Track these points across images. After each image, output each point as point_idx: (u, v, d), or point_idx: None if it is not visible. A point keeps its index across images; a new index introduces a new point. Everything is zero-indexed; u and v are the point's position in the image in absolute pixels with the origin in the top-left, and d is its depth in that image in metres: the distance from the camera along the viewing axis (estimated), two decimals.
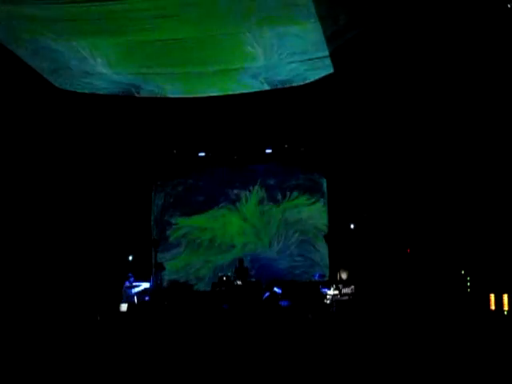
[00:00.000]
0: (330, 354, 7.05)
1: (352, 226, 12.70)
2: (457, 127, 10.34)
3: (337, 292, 11.05)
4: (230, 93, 10.49)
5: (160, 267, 12.78)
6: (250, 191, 14.00)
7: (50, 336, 8.43)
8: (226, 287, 11.78)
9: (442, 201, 10.89)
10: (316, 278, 12.52)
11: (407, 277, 11.01)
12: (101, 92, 10.10)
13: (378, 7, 7.95)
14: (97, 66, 9.19)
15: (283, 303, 10.55)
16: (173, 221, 14.09)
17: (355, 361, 6.64)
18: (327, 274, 13.14)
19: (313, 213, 13.78)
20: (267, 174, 13.98)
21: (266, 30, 8.35)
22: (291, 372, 6.29)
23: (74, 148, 11.98)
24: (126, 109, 11.11)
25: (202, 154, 13.49)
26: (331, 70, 9.72)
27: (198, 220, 14.06)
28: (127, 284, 11.08)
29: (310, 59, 9.35)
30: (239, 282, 11.84)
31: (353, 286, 11.02)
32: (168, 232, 14.02)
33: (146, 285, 11.20)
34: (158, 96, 10.57)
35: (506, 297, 8.95)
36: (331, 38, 8.59)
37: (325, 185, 13.79)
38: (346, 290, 11.00)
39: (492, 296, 9.17)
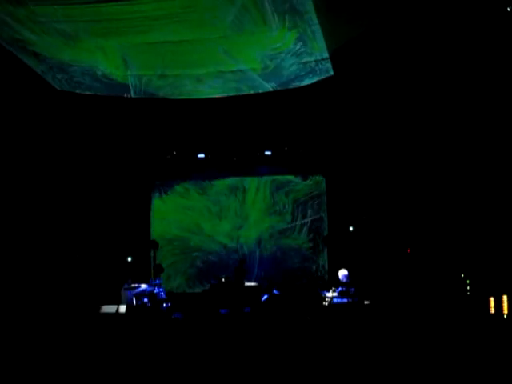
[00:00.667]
0: (330, 355, 7.05)
1: (351, 229, 12.69)
2: (456, 129, 10.35)
3: (335, 294, 11.04)
4: (230, 95, 10.51)
5: (159, 269, 12.76)
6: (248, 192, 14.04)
7: (49, 336, 8.42)
8: (225, 289, 11.75)
9: (442, 204, 10.90)
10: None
11: (406, 280, 11.01)
12: (100, 93, 10.11)
13: (378, 10, 7.97)
14: (96, 68, 9.20)
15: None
16: None
17: (355, 362, 6.64)
18: (326, 276, 13.16)
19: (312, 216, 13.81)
20: (266, 176, 14.00)
21: (265, 34, 8.38)
22: (291, 373, 6.29)
23: (74, 149, 11.97)
24: (126, 110, 11.11)
25: (202, 156, 13.48)
26: (331, 73, 9.74)
27: None
28: (126, 286, 11.04)
29: (309, 62, 9.37)
30: (238, 284, 11.82)
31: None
32: None
33: (145, 286, 11.15)
34: (158, 97, 10.60)
35: (505, 300, 8.95)
36: (331, 41, 8.62)
37: (324, 187, 13.80)
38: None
39: (491, 299, 9.17)
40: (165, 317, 10.58)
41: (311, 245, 13.62)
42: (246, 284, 11.98)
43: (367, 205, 12.61)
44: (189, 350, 7.69)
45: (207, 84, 10.17)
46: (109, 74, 9.44)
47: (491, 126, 9.67)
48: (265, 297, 10.69)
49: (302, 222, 13.79)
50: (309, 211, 13.81)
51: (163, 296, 11.24)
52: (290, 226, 13.82)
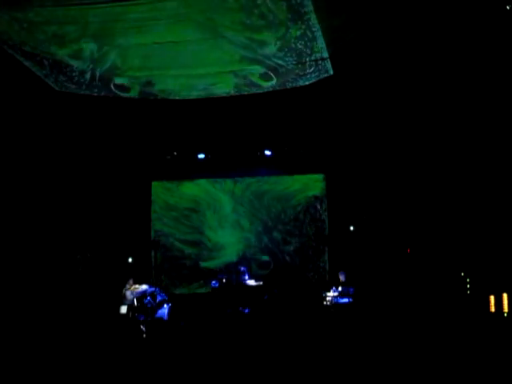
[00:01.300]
0: (330, 355, 7.05)
1: (352, 228, 12.69)
2: (456, 129, 10.35)
3: (336, 294, 11.05)
4: (230, 95, 10.50)
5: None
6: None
7: (50, 337, 8.44)
8: (226, 289, 11.76)
9: (442, 203, 10.90)
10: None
11: (407, 279, 11.01)
12: (99, 94, 10.11)
13: (377, 9, 7.97)
14: (95, 68, 9.21)
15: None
16: None
17: (355, 361, 6.64)
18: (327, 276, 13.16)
19: (313, 215, 13.81)
20: (266, 176, 14.02)
21: (265, 34, 8.37)
22: (293, 373, 6.29)
23: (74, 150, 11.99)
24: (125, 110, 11.11)
25: (202, 156, 13.48)
26: (331, 73, 9.74)
27: None
28: (127, 286, 11.05)
29: (309, 61, 9.36)
30: (238, 284, 11.83)
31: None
32: None
33: (146, 287, 11.15)
34: (158, 98, 10.60)
35: (505, 298, 8.95)
36: (331, 41, 8.61)
37: (324, 186, 13.80)
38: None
39: (492, 298, 9.16)
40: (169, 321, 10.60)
41: (313, 244, 13.63)
42: (248, 283, 11.99)
43: (367, 205, 12.61)
44: (192, 351, 7.71)
45: (207, 84, 10.16)
46: (108, 75, 9.44)
47: (491, 125, 9.67)
48: (265, 297, 10.68)
49: (302, 221, 13.80)
50: (308, 211, 13.81)
51: (164, 297, 11.25)
52: (289, 225, 13.83)
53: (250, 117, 11.75)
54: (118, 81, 9.76)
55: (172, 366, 6.94)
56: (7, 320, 8.99)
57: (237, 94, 10.47)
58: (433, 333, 8.07)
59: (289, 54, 9.12)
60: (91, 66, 9.08)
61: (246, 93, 10.49)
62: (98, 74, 9.38)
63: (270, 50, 8.95)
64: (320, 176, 13.85)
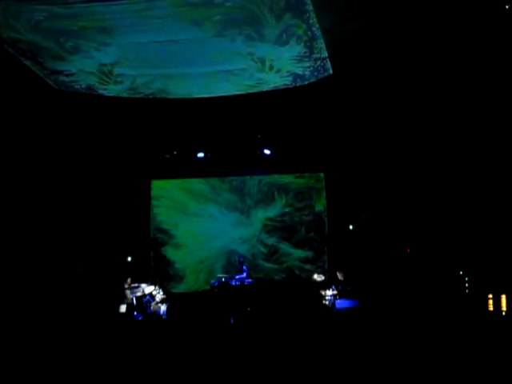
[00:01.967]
0: (330, 355, 7.05)
1: (351, 227, 12.71)
2: (455, 128, 10.35)
3: (336, 292, 11.07)
4: (229, 94, 10.51)
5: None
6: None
7: (49, 336, 8.43)
8: (225, 289, 11.77)
9: (441, 202, 10.90)
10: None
11: (406, 278, 11.02)
12: (99, 93, 10.12)
13: (376, 7, 7.98)
14: (94, 68, 9.22)
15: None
16: None
17: (355, 361, 6.64)
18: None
19: (312, 214, 13.83)
20: (266, 176, 14.03)
21: (264, 32, 8.38)
22: (294, 374, 6.30)
23: (73, 150, 11.98)
24: (125, 109, 11.11)
25: (201, 155, 13.48)
26: (330, 72, 9.75)
27: None
28: (127, 285, 11.06)
29: (309, 61, 9.37)
30: (237, 284, 11.84)
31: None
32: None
33: (144, 286, 11.17)
34: (158, 97, 10.61)
35: (504, 297, 8.96)
36: (330, 40, 8.62)
37: (324, 186, 13.82)
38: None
39: (490, 296, 9.18)
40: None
41: (313, 243, 13.66)
42: (247, 282, 12.01)
43: (367, 204, 12.62)
44: (192, 351, 7.72)
45: (207, 84, 10.17)
46: (107, 74, 9.45)
47: (490, 124, 9.67)
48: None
49: (302, 221, 13.82)
50: (308, 210, 13.83)
51: (162, 296, 11.27)
52: (290, 225, 13.85)
53: (250, 116, 11.75)
54: (116, 80, 9.78)
55: (172, 365, 6.95)
56: (6, 319, 8.98)
57: (237, 93, 10.49)
58: (431, 331, 8.07)
59: (288, 53, 9.14)
60: (89, 66, 9.10)
61: (245, 92, 10.51)
62: (95, 74, 9.40)
63: (269, 48, 8.96)
64: (319, 175, 13.87)
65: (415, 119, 10.88)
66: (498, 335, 7.81)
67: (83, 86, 9.88)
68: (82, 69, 9.25)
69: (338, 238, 13.11)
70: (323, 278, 12.09)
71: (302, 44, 8.85)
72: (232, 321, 10.28)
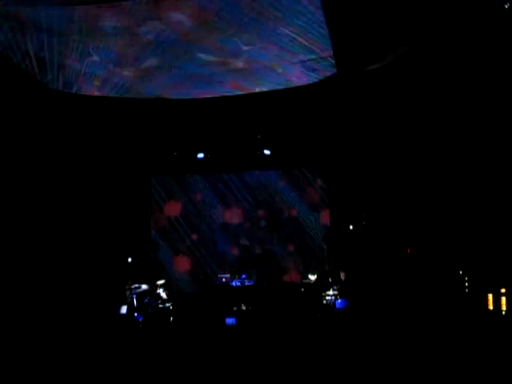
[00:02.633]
0: (330, 354, 7.06)
1: (351, 227, 12.71)
2: (456, 129, 10.35)
3: (336, 293, 11.09)
4: (231, 94, 10.51)
5: (160, 268, 12.82)
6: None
7: (49, 337, 8.45)
8: (225, 289, 11.78)
9: (441, 202, 10.90)
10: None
11: (406, 277, 11.02)
12: (99, 93, 10.12)
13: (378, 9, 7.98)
14: (94, 68, 9.22)
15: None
16: None
17: (355, 360, 6.65)
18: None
19: (311, 215, 13.85)
20: (266, 176, 14.04)
21: (268, 32, 8.37)
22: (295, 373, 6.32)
23: (73, 151, 11.98)
24: (125, 109, 11.12)
25: (201, 156, 13.49)
26: (334, 72, 9.72)
27: None
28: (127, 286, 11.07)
29: (313, 60, 9.35)
30: (238, 284, 11.86)
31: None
32: None
33: (145, 286, 11.19)
34: (158, 97, 10.61)
35: (503, 297, 8.96)
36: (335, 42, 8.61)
37: (324, 186, 13.84)
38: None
39: (490, 296, 9.18)
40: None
41: (313, 243, 13.68)
42: (247, 283, 12.03)
43: (367, 203, 12.62)
44: (191, 351, 7.73)
45: (208, 84, 10.18)
46: (106, 75, 9.46)
47: (490, 124, 9.67)
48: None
49: (302, 220, 13.84)
50: (308, 210, 13.85)
51: (164, 297, 11.29)
52: (289, 224, 13.87)
53: (250, 116, 11.75)
54: (118, 81, 9.78)
55: (171, 365, 6.96)
56: (7, 321, 8.99)
57: (239, 93, 10.49)
58: (431, 330, 8.09)
59: (292, 53, 9.13)
60: (88, 67, 9.10)
61: (248, 92, 10.50)
62: (95, 75, 9.40)
63: (273, 49, 8.94)
64: (319, 175, 13.88)
65: (415, 120, 10.88)
66: (497, 335, 7.82)
67: (82, 87, 9.87)
68: (81, 69, 9.26)
69: (338, 239, 13.12)
70: (316, 277, 12.11)
71: (307, 43, 8.84)
72: (235, 321, 10.32)
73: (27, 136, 10.70)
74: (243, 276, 12.17)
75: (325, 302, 11.12)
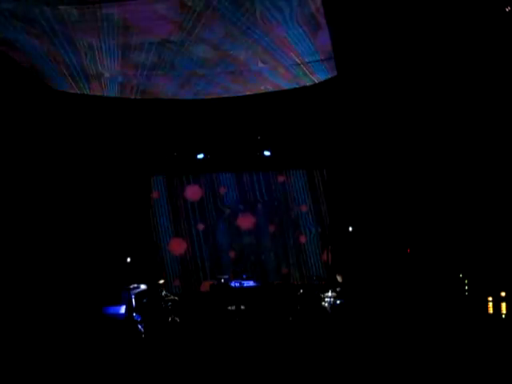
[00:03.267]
0: (330, 355, 7.06)
1: (350, 229, 12.69)
2: (456, 129, 10.34)
3: (335, 294, 11.08)
4: (232, 94, 10.52)
5: (160, 268, 12.83)
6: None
7: (47, 337, 8.43)
8: (224, 290, 11.77)
9: (441, 204, 10.89)
10: None
11: (405, 280, 11.01)
12: (99, 93, 10.13)
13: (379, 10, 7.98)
14: (95, 67, 9.23)
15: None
16: None
17: (354, 362, 6.65)
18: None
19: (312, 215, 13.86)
20: (265, 177, 14.04)
21: (268, 32, 8.39)
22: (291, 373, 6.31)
23: (73, 151, 11.97)
24: (125, 109, 11.11)
25: (201, 156, 13.47)
26: (334, 73, 9.73)
27: None
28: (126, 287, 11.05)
29: (312, 61, 9.37)
30: (237, 285, 11.84)
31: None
32: None
33: (144, 287, 11.17)
34: (158, 97, 10.62)
35: (503, 301, 8.95)
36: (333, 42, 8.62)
37: (324, 185, 13.84)
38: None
39: (490, 299, 9.16)
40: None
41: (313, 244, 13.68)
42: (246, 284, 12.01)
43: (367, 204, 12.60)
44: (191, 351, 7.72)
45: (208, 84, 10.19)
46: (107, 75, 9.46)
47: (491, 125, 9.67)
48: None
49: (302, 221, 13.84)
50: (308, 210, 13.85)
51: (164, 296, 11.28)
52: (289, 225, 13.87)
53: (250, 115, 11.75)
54: (118, 81, 9.78)
55: (171, 365, 6.95)
56: (6, 321, 8.98)
57: (240, 94, 10.51)
58: (430, 333, 8.07)
59: (291, 53, 9.14)
60: (89, 65, 9.10)
61: (249, 93, 10.51)
62: (95, 75, 9.41)
63: (273, 50, 8.95)
64: (319, 175, 13.88)
65: (416, 120, 10.87)
66: (497, 338, 7.81)
67: (82, 87, 9.87)
68: (81, 69, 9.26)
69: (338, 239, 13.11)
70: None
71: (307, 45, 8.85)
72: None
73: (27, 136, 10.70)
74: (243, 276, 12.17)
75: (324, 303, 11.11)
